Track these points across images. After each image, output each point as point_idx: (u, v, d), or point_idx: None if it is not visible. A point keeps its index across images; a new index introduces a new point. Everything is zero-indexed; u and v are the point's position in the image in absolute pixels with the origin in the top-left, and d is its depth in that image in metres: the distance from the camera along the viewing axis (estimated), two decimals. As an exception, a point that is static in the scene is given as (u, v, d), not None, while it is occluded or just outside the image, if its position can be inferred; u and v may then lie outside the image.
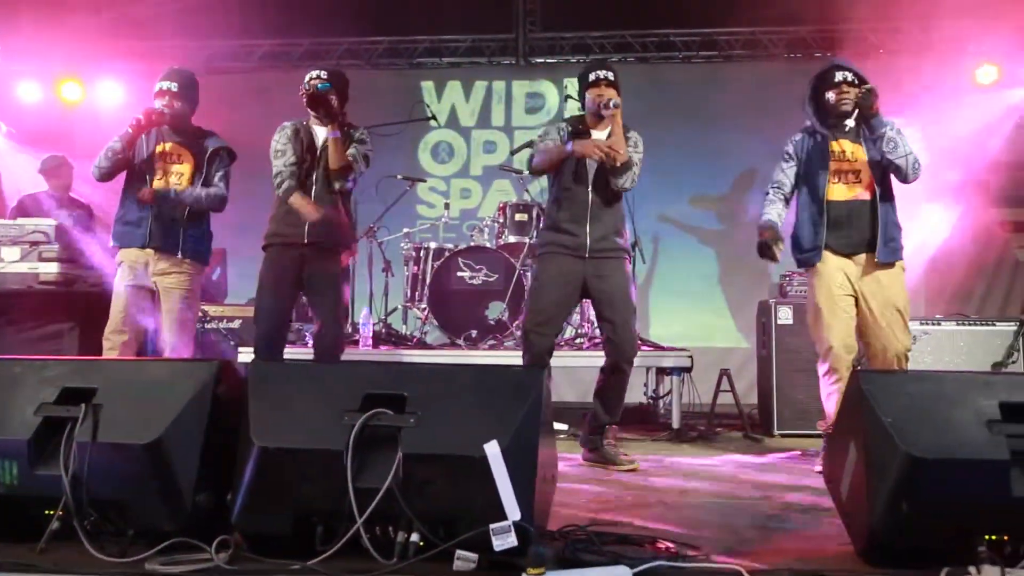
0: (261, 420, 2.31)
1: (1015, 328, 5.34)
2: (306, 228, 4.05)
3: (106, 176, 4.20)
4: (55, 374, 2.47)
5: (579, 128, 4.13)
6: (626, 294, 4.08)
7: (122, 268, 4.20)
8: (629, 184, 4.02)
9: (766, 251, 3.97)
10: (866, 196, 3.93)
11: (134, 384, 2.45)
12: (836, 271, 3.93)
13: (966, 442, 2.17)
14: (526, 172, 6.59)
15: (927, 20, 6.55)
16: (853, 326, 3.91)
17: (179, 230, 4.20)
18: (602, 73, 4.05)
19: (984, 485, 2.14)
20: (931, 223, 6.65)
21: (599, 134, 4.08)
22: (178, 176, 4.24)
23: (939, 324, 5.43)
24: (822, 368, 3.94)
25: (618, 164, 3.93)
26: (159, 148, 4.25)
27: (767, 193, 4.15)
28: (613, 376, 4.08)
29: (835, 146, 3.98)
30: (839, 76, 3.93)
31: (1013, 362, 5.27)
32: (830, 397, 3.88)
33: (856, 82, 3.92)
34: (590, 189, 4.05)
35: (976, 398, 2.24)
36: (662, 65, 8.49)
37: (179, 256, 4.20)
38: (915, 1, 6.55)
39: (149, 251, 4.17)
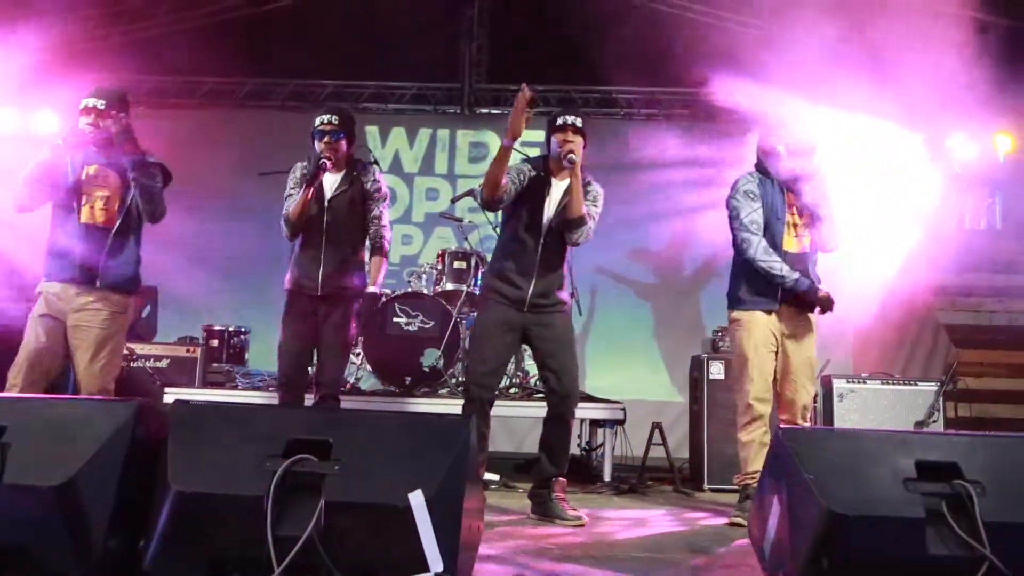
0: (179, 463, 2.24)
1: (936, 388, 5.51)
2: (320, 281, 4.13)
3: (25, 206, 3.90)
4: (-39, 411, 2.36)
5: (541, 173, 4.04)
6: (569, 343, 4.06)
7: (39, 301, 3.91)
8: (582, 239, 3.95)
9: (829, 304, 4.04)
10: (808, 251, 4.11)
11: (47, 423, 2.34)
12: (762, 323, 4.07)
13: (884, 499, 2.21)
14: (466, 220, 6.65)
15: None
16: (771, 379, 4.08)
17: (100, 258, 3.90)
18: (570, 119, 3.97)
19: (901, 542, 2.18)
20: (859, 285, 6.85)
21: (560, 182, 4.01)
22: (102, 201, 3.93)
23: (864, 383, 5.57)
24: (742, 418, 4.07)
25: (572, 216, 3.90)
26: (85, 172, 3.94)
27: (749, 235, 4.04)
28: (556, 427, 4.02)
29: (789, 197, 4.13)
30: (781, 145, 4.09)
31: (934, 421, 5.43)
32: (747, 446, 4.02)
33: (803, 150, 4.07)
34: (541, 242, 3.99)
35: (894, 456, 2.28)
36: (604, 120, 8.67)
37: (98, 287, 3.88)
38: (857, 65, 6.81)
39: (71, 286, 3.87)
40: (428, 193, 8.67)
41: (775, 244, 4.07)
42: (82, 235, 3.89)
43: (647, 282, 8.35)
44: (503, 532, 3.63)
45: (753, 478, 3.87)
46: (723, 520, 4.11)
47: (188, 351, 6.00)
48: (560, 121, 3.99)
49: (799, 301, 4.04)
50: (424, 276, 6.39)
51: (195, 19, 8.15)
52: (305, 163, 4.21)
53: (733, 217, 4.12)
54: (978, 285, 8.04)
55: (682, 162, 8.08)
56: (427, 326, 5.86)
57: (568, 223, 3.93)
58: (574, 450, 6.38)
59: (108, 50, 7.80)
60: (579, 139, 3.95)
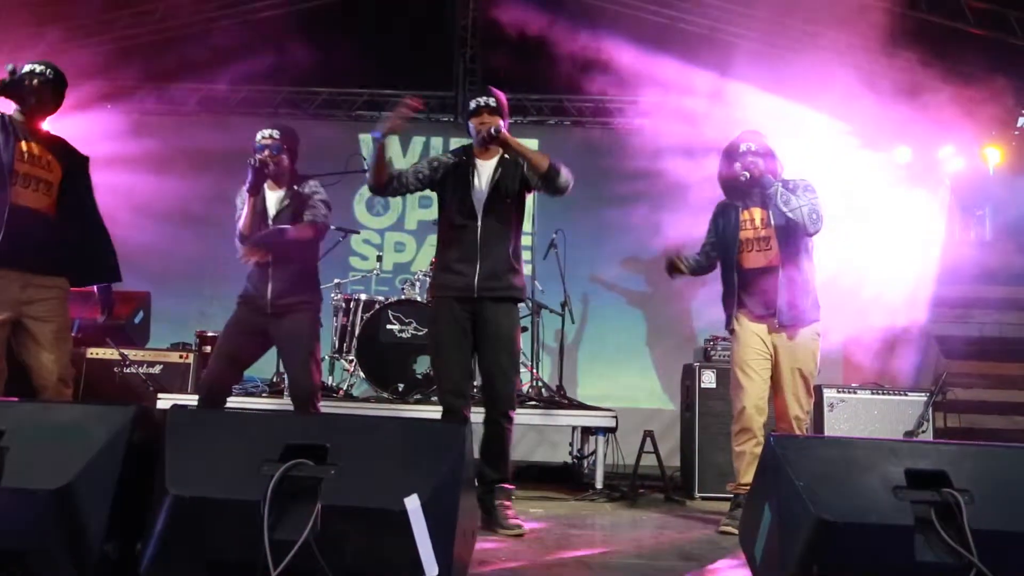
0: (177, 468, 2.25)
1: (926, 399, 5.55)
2: (269, 299, 4.07)
3: None
4: (-41, 415, 2.37)
5: (462, 158, 4.02)
6: (507, 340, 3.91)
7: None
8: (568, 185, 3.81)
9: (670, 267, 4.33)
10: (774, 262, 4.08)
11: (44, 427, 2.36)
12: (752, 335, 4.11)
13: (874, 507, 2.24)
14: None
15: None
16: (766, 388, 4.08)
17: (50, 242, 3.66)
18: (483, 100, 3.93)
19: (890, 550, 2.21)
20: (850, 295, 6.91)
21: (487, 162, 3.99)
22: (45, 188, 3.67)
23: (855, 392, 5.62)
24: (734, 427, 4.11)
25: (540, 170, 3.80)
26: (20, 150, 3.61)
27: None
28: (491, 431, 3.92)
29: (745, 215, 4.17)
30: (743, 146, 4.11)
31: (923, 431, 5.47)
32: (740, 456, 4.06)
33: (759, 151, 4.09)
34: (479, 224, 3.91)
35: (883, 464, 2.31)
36: (596, 129, 8.72)
37: (49, 273, 3.68)
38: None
39: (13, 273, 3.59)
40: (421, 201, 8.69)
41: (730, 264, 4.18)
42: (22, 218, 3.57)
43: (639, 290, 8.39)
44: (496, 538, 3.65)
45: (745, 488, 3.90)
46: (715, 528, 4.13)
47: (181, 357, 6.01)
48: (474, 105, 3.95)
49: (777, 313, 4.06)
50: (417, 283, 6.40)
51: (186, 27, 8.16)
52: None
53: None
54: (967, 296, 8.10)
55: (675, 170, 8.13)
56: (420, 333, 5.88)
57: (543, 179, 3.83)
58: (566, 457, 6.42)
59: (99, 56, 7.80)
60: (496, 118, 3.89)
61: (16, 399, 3.25)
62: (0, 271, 3.55)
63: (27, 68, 3.68)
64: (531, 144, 8.35)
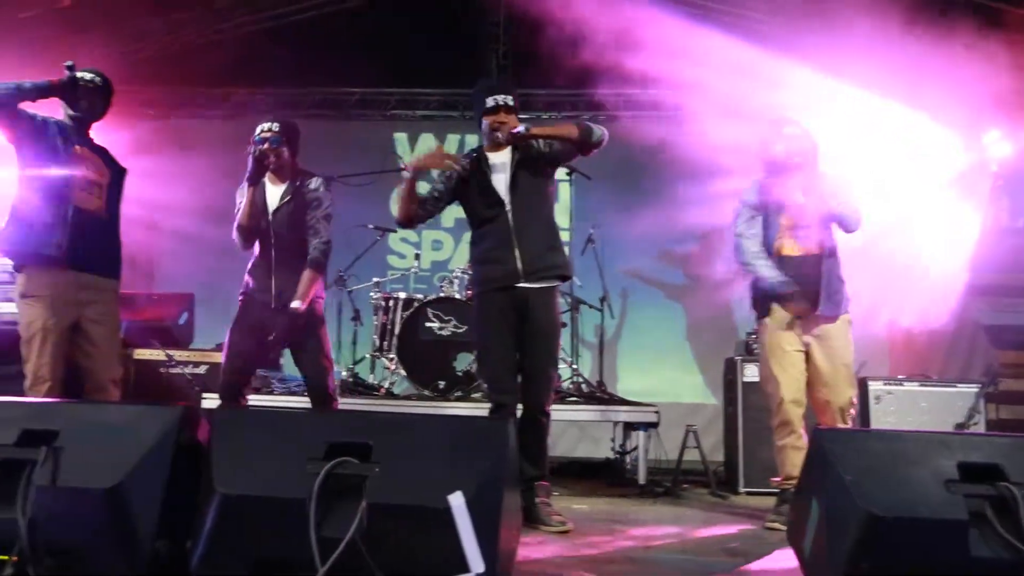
0: (224, 467, 2.28)
1: (976, 390, 5.42)
2: (273, 294, 4.03)
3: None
4: (15, 415, 2.41)
5: (474, 156, 3.98)
6: (549, 338, 3.86)
7: (40, 302, 3.61)
8: (603, 138, 3.80)
9: (797, 309, 4.00)
10: (815, 251, 4.01)
11: (96, 428, 2.40)
12: (785, 326, 4.02)
13: (925, 501, 2.19)
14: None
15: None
16: (803, 380, 4.00)
17: (105, 246, 3.84)
18: (501, 99, 3.86)
19: (943, 545, 2.16)
20: (895, 284, 6.79)
21: (499, 153, 3.94)
22: (98, 191, 3.81)
23: (902, 384, 5.51)
24: (774, 421, 4.03)
25: (571, 139, 3.78)
26: (78, 150, 3.75)
27: (744, 243, 4.12)
28: (530, 427, 3.84)
29: (787, 201, 4.07)
30: (788, 129, 4.03)
31: (975, 423, 5.34)
32: (781, 450, 4.00)
33: (804, 138, 4.03)
34: (508, 208, 3.85)
35: (935, 457, 2.26)
36: (633, 123, 8.64)
37: (105, 276, 3.81)
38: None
39: (70, 273, 3.69)
40: (458, 198, 8.71)
41: (770, 251, 4.06)
42: (81, 218, 3.70)
43: (678, 284, 8.32)
44: (538, 535, 3.65)
45: (790, 484, 3.85)
46: (760, 524, 4.09)
47: (225, 357, 6.08)
48: (492, 103, 3.87)
49: (820, 303, 3.97)
50: (456, 281, 6.42)
51: (222, 31, 8.26)
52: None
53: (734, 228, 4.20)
54: (1017, 285, 7.91)
55: (712, 162, 8.05)
56: (460, 330, 5.90)
57: (581, 145, 3.80)
58: (608, 453, 6.40)
59: (136, 65, 7.91)
60: (512, 117, 3.86)
61: (70, 400, 3.33)
62: (61, 272, 3.65)
63: (81, 74, 3.75)
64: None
